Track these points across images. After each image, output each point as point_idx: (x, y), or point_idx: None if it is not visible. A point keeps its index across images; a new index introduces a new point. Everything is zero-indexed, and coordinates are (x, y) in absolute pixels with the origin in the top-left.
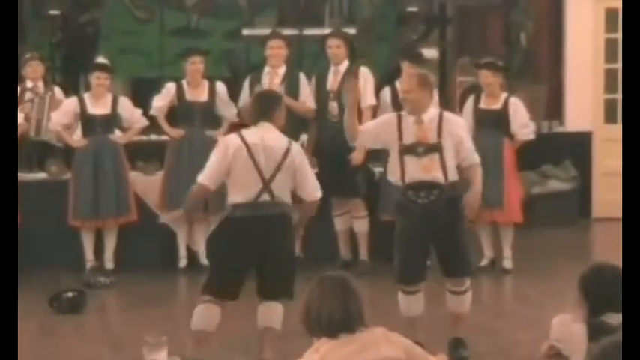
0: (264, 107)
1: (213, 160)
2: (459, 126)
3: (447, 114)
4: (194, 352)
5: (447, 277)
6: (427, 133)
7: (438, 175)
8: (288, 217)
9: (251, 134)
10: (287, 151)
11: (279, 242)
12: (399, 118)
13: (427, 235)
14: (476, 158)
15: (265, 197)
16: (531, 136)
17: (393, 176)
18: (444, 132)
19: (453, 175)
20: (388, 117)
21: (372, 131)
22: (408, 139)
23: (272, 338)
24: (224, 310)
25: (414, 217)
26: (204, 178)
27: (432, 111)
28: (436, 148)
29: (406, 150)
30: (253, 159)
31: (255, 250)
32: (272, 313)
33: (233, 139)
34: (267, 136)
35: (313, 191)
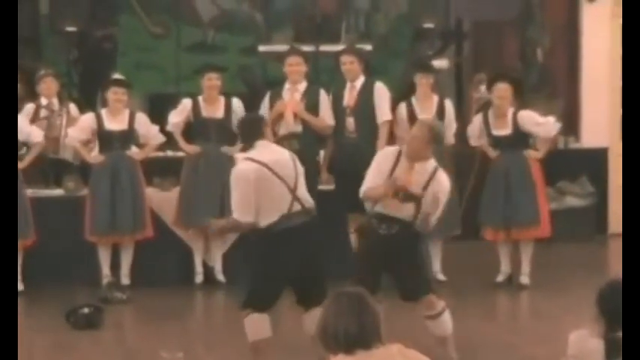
0: (257, 128)
1: (238, 195)
2: (443, 190)
3: (440, 173)
4: None
5: (405, 301)
6: (412, 183)
7: (407, 216)
8: (316, 224)
9: (258, 154)
10: (295, 163)
11: (316, 250)
12: (398, 155)
13: (379, 262)
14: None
15: (297, 207)
16: (557, 127)
17: (366, 197)
18: (429, 189)
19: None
20: (389, 151)
21: (377, 174)
22: (398, 187)
23: None
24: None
25: (371, 244)
26: (238, 214)
27: (429, 164)
28: (416, 199)
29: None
30: (277, 174)
31: (295, 262)
32: None
33: (246, 166)
34: (273, 150)
35: (309, 198)
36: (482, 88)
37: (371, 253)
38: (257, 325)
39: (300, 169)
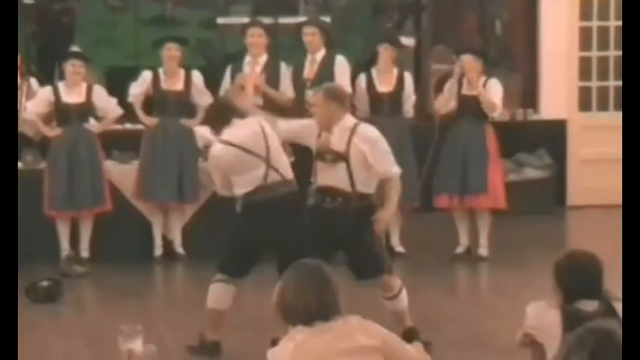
0: (226, 114)
1: (215, 176)
2: (369, 137)
3: (361, 126)
4: (212, 334)
5: (359, 280)
6: (334, 143)
7: (343, 184)
8: (298, 195)
9: (229, 134)
10: (263, 129)
11: (294, 221)
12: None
13: (329, 239)
14: (391, 171)
15: (274, 176)
16: (498, 113)
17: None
18: (352, 143)
19: (362, 187)
20: (310, 122)
21: (293, 128)
22: (320, 146)
23: None
24: (238, 293)
25: (319, 221)
26: (220, 191)
27: (346, 122)
28: (343, 158)
29: (317, 156)
30: (247, 151)
31: (271, 231)
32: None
33: (217, 150)
34: (243, 126)
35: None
36: (453, 55)
37: (319, 231)
38: (218, 294)
39: (272, 136)
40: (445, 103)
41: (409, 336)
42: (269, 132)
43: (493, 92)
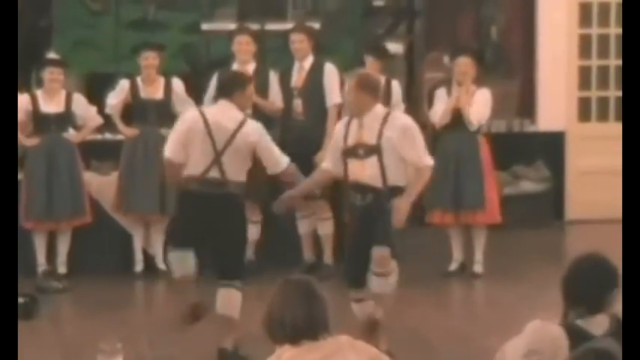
0: (225, 86)
1: (172, 132)
2: (399, 125)
3: (392, 115)
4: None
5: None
6: (366, 135)
7: (375, 180)
8: (237, 197)
9: (209, 110)
10: (240, 127)
11: (226, 221)
12: (348, 123)
13: (365, 237)
14: (422, 160)
15: (215, 173)
16: (484, 121)
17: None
18: (384, 134)
19: (395, 179)
20: (340, 125)
21: (334, 147)
22: (351, 140)
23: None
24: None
25: (355, 219)
26: (167, 151)
27: (377, 112)
28: (375, 150)
29: (348, 152)
30: (209, 130)
31: (204, 227)
32: (229, 301)
33: (191, 112)
34: (223, 112)
35: (277, 162)
36: (445, 58)
37: (353, 232)
38: (179, 260)
39: (251, 141)
40: (444, 115)
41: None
42: (250, 134)
43: (478, 103)
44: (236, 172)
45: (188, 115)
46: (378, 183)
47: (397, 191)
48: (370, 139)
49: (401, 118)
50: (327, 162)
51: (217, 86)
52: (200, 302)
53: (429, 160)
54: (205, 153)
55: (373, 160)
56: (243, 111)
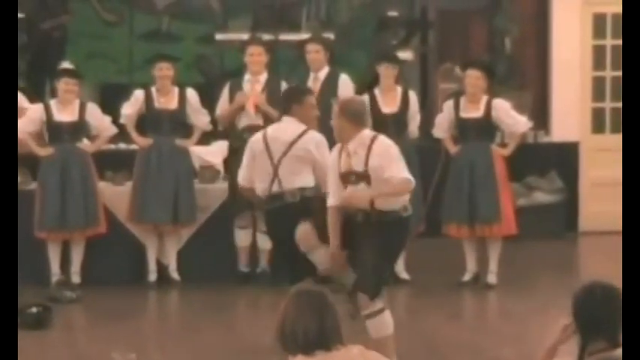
0: (283, 103)
1: (244, 157)
2: (381, 151)
3: (376, 142)
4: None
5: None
6: (354, 162)
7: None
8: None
9: (272, 127)
10: (298, 137)
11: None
12: (340, 150)
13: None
14: (401, 174)
15: (276, 187)
16: (528, 126)
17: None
18: (369, 162)
19: (383, 205)
20: (333, 154)
21: (333, 180)
22: (343, 167)
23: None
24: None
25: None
26: (239, 177)
27: (363, 139)
28: (364, 177)
29: (342, 178)
30: (267, 145)
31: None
32: None
33: (256, 135)
34: (284, 127)
35: (324, 182)
36: (457, 69)
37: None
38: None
39: (309, 153)
40: (439, 127)
41: None
42: (304, 142)
43: (502, 114)
44: (292, 180)
45: (253, 137)
46: (366, 206)
47: (385, 214)
48: (357, 166)
49: (383, 143)
50: (331, 198)
51: (280, 106)
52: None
53: (406, 174)
54: (265, 168)
55: (362, 186)
56: (308, 123)
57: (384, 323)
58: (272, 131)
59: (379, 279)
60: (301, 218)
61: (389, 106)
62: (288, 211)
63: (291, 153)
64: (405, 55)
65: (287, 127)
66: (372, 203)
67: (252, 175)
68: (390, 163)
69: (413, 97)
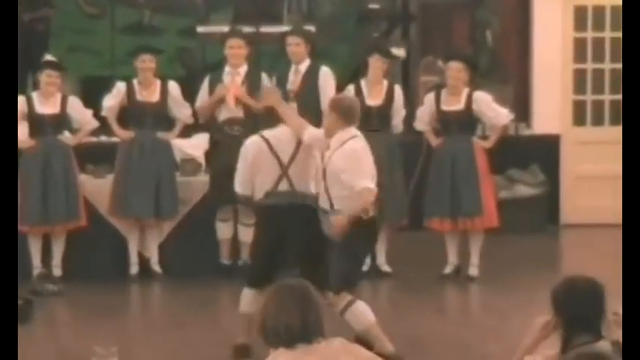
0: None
1: (239, 164)
2: (346, 153)
3: (351, 142)
4: (244, 337)
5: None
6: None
7: (324, 202)
8: (310, 208)
9: (268, 132)
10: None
11: (303, 232)
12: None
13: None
14: (362, 183)
15: (284, 186)
16: (510, 118)
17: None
18: (332, 159)
19: (340, 204)
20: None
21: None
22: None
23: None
24: None
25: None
26: (236, 185)
27: (343, 136)
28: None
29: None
30: (272, 149)
31: (281, 241)
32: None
33: (252, 139)
34: (285, 131)
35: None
36: (439, 62)
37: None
38: (250, 299)
39: (306, 151)
40: (421, 120)
41: None
42: (307, 147)
43: (483, 107)
44: (305, 183)
45: (250, 142)
46: (326, 206)
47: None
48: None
49: (354, 145)
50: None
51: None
52: (246, 344)
53: (368, 183)
54: (271, 171)
55: (321, 184)
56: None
57: (361, 313)
58: (273, 136)
59: (341, 273)
60: (301, 224)
61: (374, 98)
62: (292, 211)
63: (301, 155)
64: (399, 52)
65: (288, 131)
66: (332, 205)
67: (251, 180)
68: (351, 167)
69: (398, 92)
